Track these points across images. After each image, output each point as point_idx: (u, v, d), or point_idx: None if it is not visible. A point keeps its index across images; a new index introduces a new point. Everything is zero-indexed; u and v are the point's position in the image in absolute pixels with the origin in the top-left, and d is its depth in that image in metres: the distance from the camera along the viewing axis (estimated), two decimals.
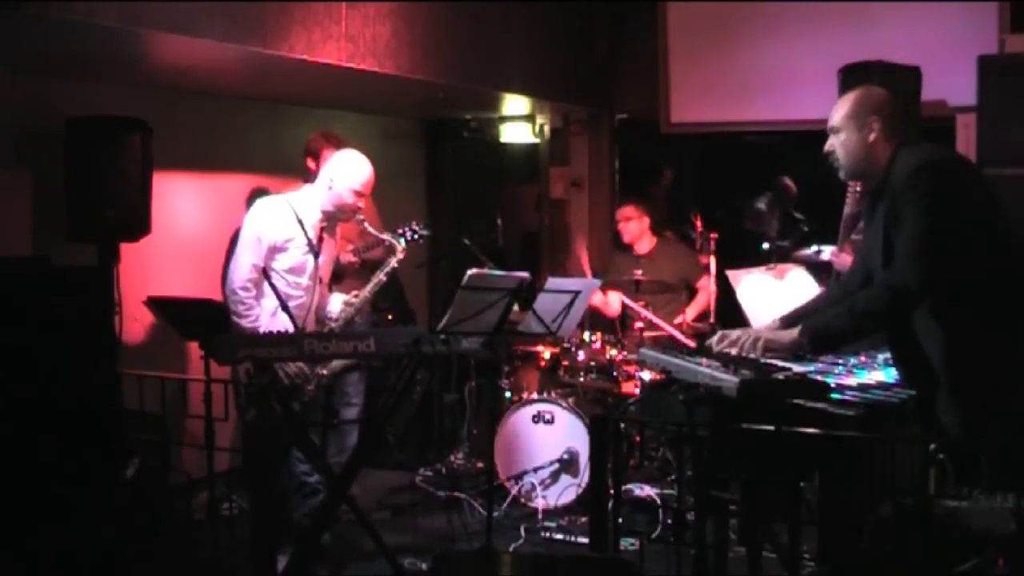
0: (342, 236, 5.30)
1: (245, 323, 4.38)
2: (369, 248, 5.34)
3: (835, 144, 3.28)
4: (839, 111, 3.27)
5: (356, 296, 4.68)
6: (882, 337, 3.36)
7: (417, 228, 5.19)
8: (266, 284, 4.41)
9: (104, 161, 4.81)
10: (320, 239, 4.59)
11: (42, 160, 4.98)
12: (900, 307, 3.09)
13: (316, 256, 4.55)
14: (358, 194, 4.55)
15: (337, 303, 4.70)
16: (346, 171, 4.55)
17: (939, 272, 3.03)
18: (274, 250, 4.46)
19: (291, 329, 4.28)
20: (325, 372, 4.54)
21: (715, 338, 3.37)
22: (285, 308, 4.36)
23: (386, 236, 4.73)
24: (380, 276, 4.65)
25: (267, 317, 4.44)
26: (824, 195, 4.95)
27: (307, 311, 4.57)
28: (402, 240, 5.14)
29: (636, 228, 6.26)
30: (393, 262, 4.67)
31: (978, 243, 3.06)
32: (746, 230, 6.68)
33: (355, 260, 5.33)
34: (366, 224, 4.63)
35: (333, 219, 4.64)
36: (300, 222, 4.50)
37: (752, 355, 3.19)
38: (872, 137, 3.20)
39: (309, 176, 5.08)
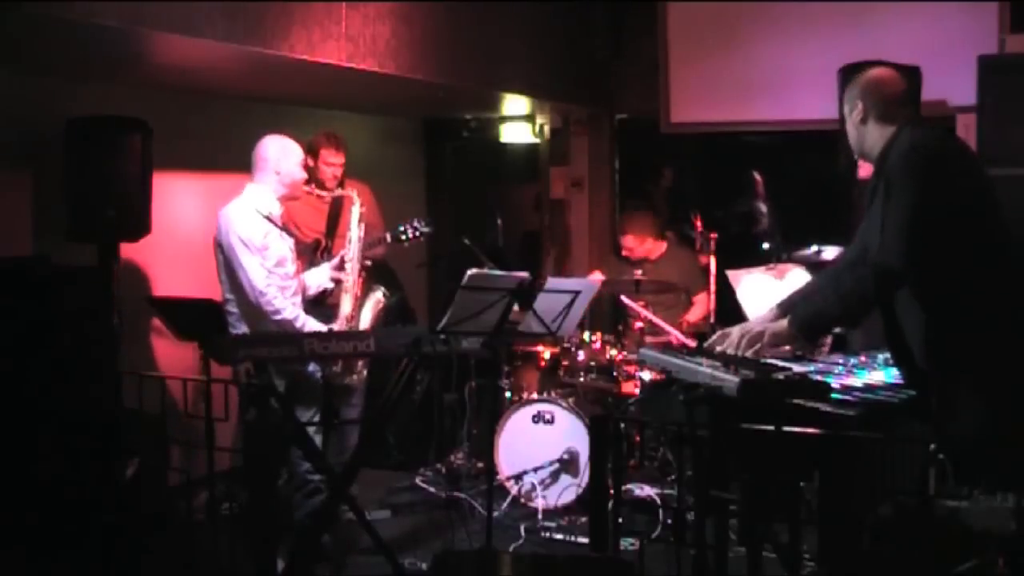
0: (341, 235, 5.32)
1: (287, 315, 4.46)
2: (371, 245, 5.34)
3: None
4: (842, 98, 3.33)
5: (344, 258, 4.80)
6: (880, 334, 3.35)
7: (419, 225, 5.21)
8: None
9: (104, 161, 4.81)
10: (285, 226, 4.69)
11: (42, 160, 4.98)
12: (885, 288, 3.05)
13: (292, 242, 4.67)
14: (304, 166, 4.71)
15: (324, 275, 4.78)
16: (286, 153, 4.64)
17: (924, 254, 2.98)
18: (262, 250, 4.51)
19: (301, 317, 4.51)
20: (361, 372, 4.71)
21: (714, 337, 3.36)
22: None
23: (338, 192, 4.95)
24: (358, 232, 4.81)
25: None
26: (824, 195, 4.95)
27: (301, 297, 4.66)
28: (405, 237, 5.19)
29: (640, 251, 6.21)
30: (356, 211, 4.82)
31: (966, 230, 3.02)
32: (744, 231, 6.68)
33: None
34: (317, 191, 4.81)
35: (288, 199, 4.73)
36: (267, 218, 4.56)
37: (748, 354, 3.18)
38: (857, 118, 3.23)
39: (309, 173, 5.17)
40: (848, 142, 3.34)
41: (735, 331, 3.29)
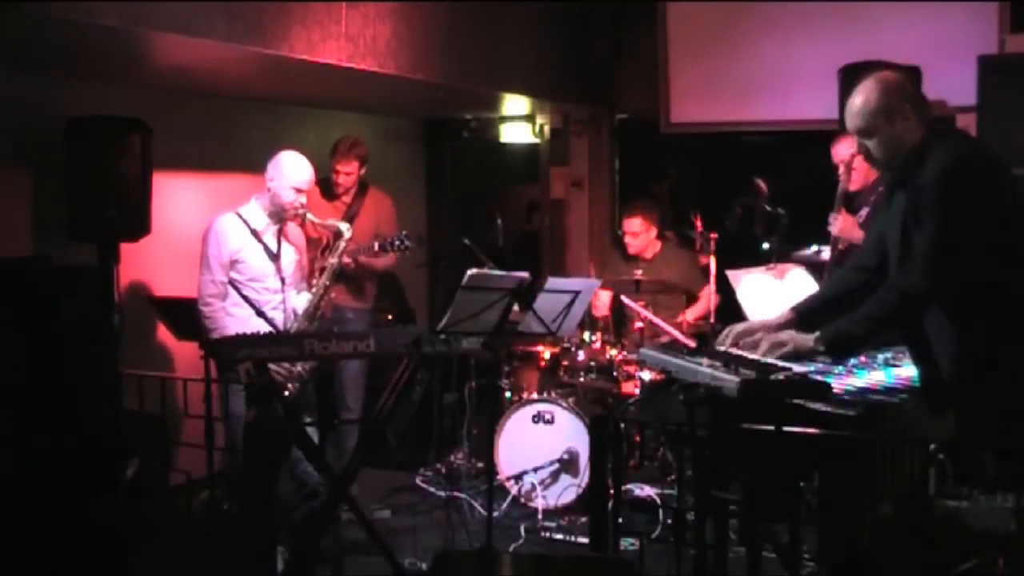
0: (352, 237, 5.32)
1: (213, 336, 4.45)
2: (365, 251, 5.35)
3: (869, 146, 3.18)
4: (862, 112, 3.14)
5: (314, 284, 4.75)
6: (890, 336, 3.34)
7: (403, 239, 5.25)
8: (237, 295, 4.55)
9: (104, 161, 4.81)
10: (279, 244, 4.66)
11: (42, 160, 4.98)
12: (912, 311, 3.08)
13: (274, 260, 4.63)
14: (297, 191, 4.60)
15: (303, 300, 4.75)
16: (283, 170, 4.61)
17: (954, 279, 3.01)
18: (232, 263, 4.56)
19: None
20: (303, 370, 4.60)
21: (730, 334, 3.33)
22: (260, 314, 4.51)
23: (331, 222, 4.83)
24: (332, 261, 4.75)
25: (241, 325, 4.46)
26: (824, 195, 4.96)
27: (285, 313, 4.66)
28: (388, 248, 5.20)
29: (642, 242, 6.18)
30: (342, 245, 4.76)
31: (999, 251, 3.02)
32: (745, 231, 6.66)
33: (349, 262, 5.34)
34: (310, 216, 4.68)
35: (281, 219, 4.67)
36: (253, 231, 4.58)
37: (769, 359, 3.15)
38: (909, 124, 3.12)
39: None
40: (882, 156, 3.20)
41: (760, 335, 3.27)
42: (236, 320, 4.51)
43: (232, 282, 4.55)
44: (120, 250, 4.98)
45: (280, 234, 4.67)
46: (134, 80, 5.32)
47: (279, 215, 4.63)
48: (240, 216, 4.60)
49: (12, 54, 4.53)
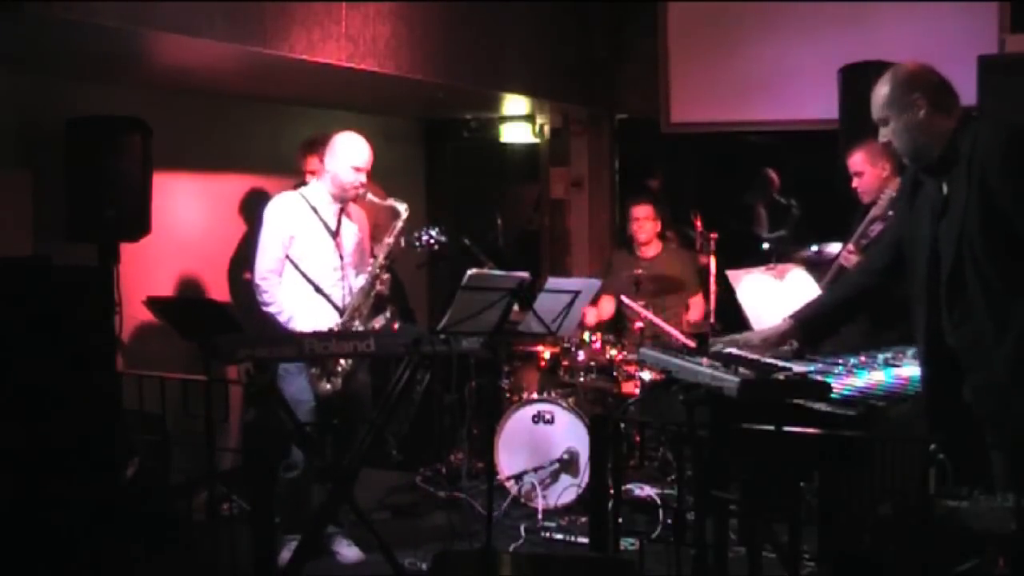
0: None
1: (271, 309, 4.61)
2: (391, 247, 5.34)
3: (887, 134, 3.15)
4: (879, 100, 3.14)
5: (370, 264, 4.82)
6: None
7: (434, 234, 5.23)
8: (299, 274, 4.63)
9: (104, 161, 4.81)
10: (339, 222, 4.75)
11: (42, 160, 4.97)
12: None
13: (333, 236, 4.72)
14: (356, 170, 4.68)
15: (361, 281, 4.83)
16: (342, 151, 4.69)
17: None
18: (293, 240, 4.64)
19: (329, 310, 4.62)
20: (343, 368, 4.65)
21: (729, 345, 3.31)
22: (318, 290, 4.64)
23: (389, 201, 4.85)
24: (388, 240, 4.77)
25: (303, 301, 4.63)
26: (824, 195, 4.95)
27: (345, 290, 4.75)
28: (417, 245, 5.20)
29: (650, 230, 6.20)
30: (399, 224, 4.77)
31: None
32: (746, 229, 6.66)
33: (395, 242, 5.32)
34: (370, 196, 4.76)
35: (343, 199, 4.76)
36: (314, 210, 4.68)
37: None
38: (921, 114, 3.08)
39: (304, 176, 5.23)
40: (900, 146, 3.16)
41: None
42: (294, 298, 4.61)
43: (290, 259, 4.63)
44: (120, 250, 4.98)
45: (341, 213, 4.76)
46: (134, 80, 5.32)
47: (341, 195, 4.72)
48: (302, 196, 4.70)
49: (12, 54, 4.53)
